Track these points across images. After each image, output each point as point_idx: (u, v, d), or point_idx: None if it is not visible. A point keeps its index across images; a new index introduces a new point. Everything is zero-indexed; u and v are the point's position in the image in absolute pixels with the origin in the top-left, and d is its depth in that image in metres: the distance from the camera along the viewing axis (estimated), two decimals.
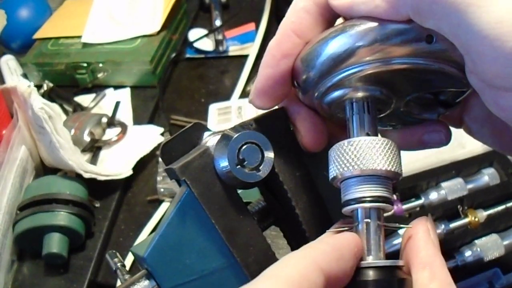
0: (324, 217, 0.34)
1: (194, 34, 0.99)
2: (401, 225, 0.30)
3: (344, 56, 0.28)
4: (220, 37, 0.96)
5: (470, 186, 0.62)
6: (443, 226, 0.58)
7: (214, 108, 0.84)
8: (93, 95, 0.90)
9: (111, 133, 0.80)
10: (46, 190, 0.68)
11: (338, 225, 0.31)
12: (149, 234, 0.69)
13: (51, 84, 0.89)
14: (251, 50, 0.92)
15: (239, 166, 0.31)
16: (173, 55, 0.95)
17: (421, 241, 0.28)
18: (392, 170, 0.29)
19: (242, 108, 0.81)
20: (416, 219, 0.30)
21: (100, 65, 0.90)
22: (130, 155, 0.76)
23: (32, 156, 0.73)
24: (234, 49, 0.96)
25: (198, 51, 0.97)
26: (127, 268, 0.35)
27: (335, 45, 0.28)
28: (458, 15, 0.23)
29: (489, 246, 0.56)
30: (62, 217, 0.65)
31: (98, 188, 0.72)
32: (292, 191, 0.33)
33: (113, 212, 0.73)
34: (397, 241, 0.56)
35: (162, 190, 0.73)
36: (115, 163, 0.76)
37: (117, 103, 0.86)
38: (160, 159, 0.74)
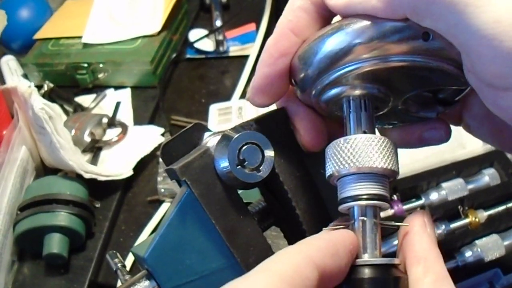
0: (324, 217, 0.34)
1: (195, 34, 0.99)
2: (398, 223, 0.30)
3: (341, 53, 0.28)
4: (220, 37, 0.96)
5: (470, 186, 0.62)
6: (443, 227, 0.58)
7: (214, 109, 0.84)
8: (93, 96, 0.90)
9: (112, 134, 0.80)
10: (47, 191, 0.68)
11: (336, 223, 0.31)
12: (150, 234, 0.69)
13: (51, 85, 0.89)
14: (252, 50, 0.92)
15: (239, 167, 0.31)
16: (174, 55, 0.95)
17: (416, 235, 0.28)
18: (389, 168, 0.29)
19: (242, 108, 0.81)
20: (412, 213, 0.29)
21: (101, 65, 0.90)
22: (131, 156, 0.76)
23: (32, 156, 0.73)
24: (234, 50, 0.96)
25: (199, 51, 0.97)
26: (128, 268, 0.35)
27: (332, 43, 0.28)
28: (456, 14, 0.23)
29: (490, 247, 0.56)
30: (62, 217, 0.65)
31: (98, 189, 0.72)
32: (293, 192, 0.33)
33: (114, 212, 0.73)
34: (397, 241, 0.56)
35: (162, 190, 0.73)
36: (116, 164, 0.76)
37: (118, 104, 0.86)
38: (160, 160, 0.74)
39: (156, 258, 0.31)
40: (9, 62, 0.96)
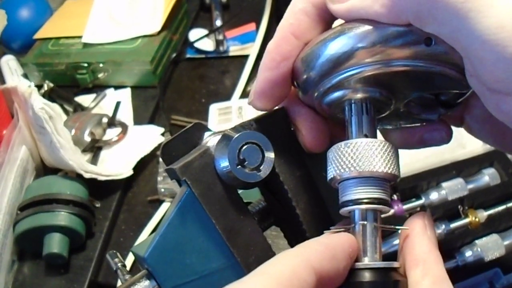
0: (324, 217, 0.34)
1: (195, 34, 0.99)
2: (398, 227, 0.30)
3: (343, 57, 0.28)
4: (220, 37, 0.96)
5: (470, 186, 0.62)
6: (443, 226, 0.58)
7: (214, 108, 0.84)
8: (93, 95, 0.90)
9: (112, 133, 0.80)
10: (47, 190, 0.68)
11: (337, 226, 0.31)
12: (150, 234, 0.69)
13: (51, 84, 0.88)
14: (252, 50, 0.92)
15: (239, 166, 0.31)
16: (174, 55, 0.95)
17: (416, 238, 0.28)
18: (390, 172, 0.29)
19: (242, 108, 0.81)
20: (413, 215, 0.30)
21: (101, 65, 0.90)
22: (131, 155, 0.76)
23: (32, 156, 0.73)
24: (234, 49, 0.96)
25: (199, 51, 0.97)
26: (128, 268, 0.35)
27: (335, 47, 0.28)
28: (458, 19, 0.23)
29: (490, 246, 0.56)
30: (62, 217, 0.65)
31: (98, 188, 0.72)
32: (293, 191, 0.33)
33: (114, 212, 0.73)
34: (397, 241, 0.56)
35: (162, 190, 0.73)
36: (116, 163, 0.76)
37: (118, 103, 0.86)
38: (160, 159, 0.74)
39: (156, 258, 0.31)
40: (9, 62, 0.96)
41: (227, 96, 0.87)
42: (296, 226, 0.34)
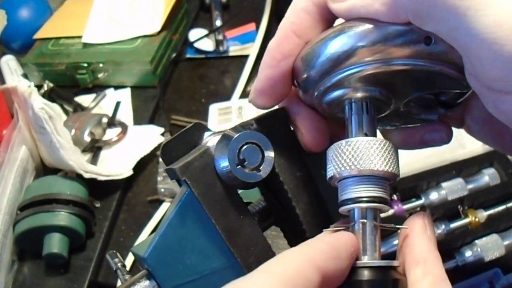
0: (324, 217, 0.34)
1: (195, 34, 0.99)
2: (398, 226, 0.30)
3: (343, 56, 0.28)
4: (220, 37, 0.96)
5: (470, 186, 0.62)
6: (443, 226, 0.58)
7: (214, 108, 0.84)
8: (93, 95, 0.90)
9: (112, 133, 0.80)
10: (47, 190, 0.68)
11: (336, 224, 0.31)
12: (150, 234, 0.69)
13: (51, 84, 0.89)
14: (252, 50, 0.92)
15: (239, 166, 0.31)
16: (174, 55, 0.95)
17: (416, 238, 0.28)
18: (389, 171, 0.29)
19: (242, 108, 0.81)
20: (413, 215, 0.30)
21: (101, 65, 0.90)
22: (131, 155, 0.76)
23: (32, 156, 0.73)
24: (234, 49, 0.96)
25: (199, 51, 0.97)
26: (128, 268, 0.35)
27: (335, 46, 0.28)
28: (456, 18, 0.24)
29: (490, 246, 0.56)
30: (62, 217, 0.65)
31: (98, 188, 0.72)
32: (293, 191, 0.33)
33: (114, 212, 0.73)
34: (397, 241, 0.56)
35: (162, 190, 0.73)
36: (116, 163, 0.76)
37: (118, 103, 0.86)
38: (160, 159, 0.74)
39: (156, 258, 0.31)
40: (9, 62, 0.96)
41: (227, 96, 0.87)
42: (296, 226, 0.34)
